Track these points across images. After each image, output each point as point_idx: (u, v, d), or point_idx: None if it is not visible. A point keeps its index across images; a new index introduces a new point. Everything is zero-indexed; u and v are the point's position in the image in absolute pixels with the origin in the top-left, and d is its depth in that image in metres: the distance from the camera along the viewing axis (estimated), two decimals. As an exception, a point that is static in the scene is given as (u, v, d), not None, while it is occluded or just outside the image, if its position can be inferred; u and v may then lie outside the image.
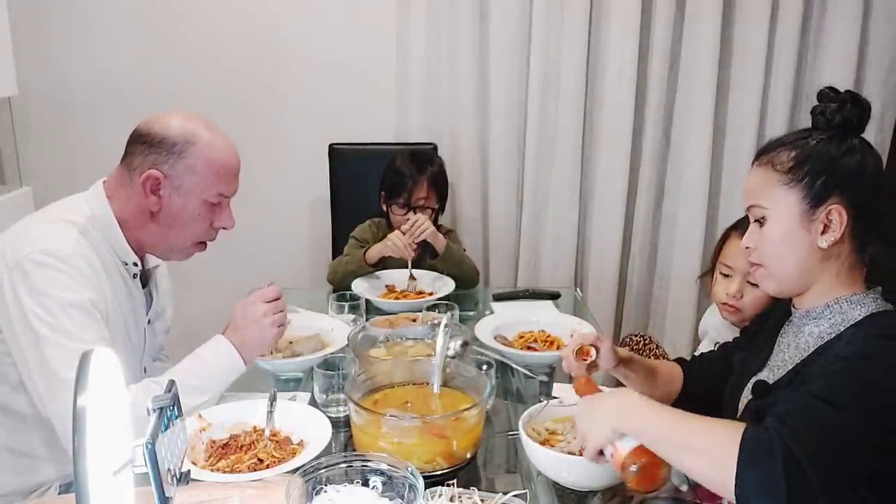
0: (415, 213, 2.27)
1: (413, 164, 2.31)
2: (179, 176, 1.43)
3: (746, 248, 1.21)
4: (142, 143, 1.43)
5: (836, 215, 1.12)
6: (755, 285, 1.65)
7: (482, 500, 1.16)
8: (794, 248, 1.15)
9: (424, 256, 2.28)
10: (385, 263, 2.27)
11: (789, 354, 1.22)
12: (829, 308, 1.16)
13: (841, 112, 1.15)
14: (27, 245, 1.33)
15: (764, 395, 1.19)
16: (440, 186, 2.35)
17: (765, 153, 1.19)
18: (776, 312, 1.32)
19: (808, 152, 1.14)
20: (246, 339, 1.48)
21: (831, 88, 1.19)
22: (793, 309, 1.25)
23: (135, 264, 1.49)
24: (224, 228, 1.54)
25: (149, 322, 1.59)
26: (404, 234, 2.19)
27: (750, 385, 1.26)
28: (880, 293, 1.17)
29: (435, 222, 2.33)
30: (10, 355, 1.34)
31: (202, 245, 1.54)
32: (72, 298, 1.31)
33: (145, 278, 1.57)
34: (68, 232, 1.38)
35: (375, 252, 2.23)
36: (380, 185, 2.37)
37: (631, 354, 1.41)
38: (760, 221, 1.18)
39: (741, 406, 1.27)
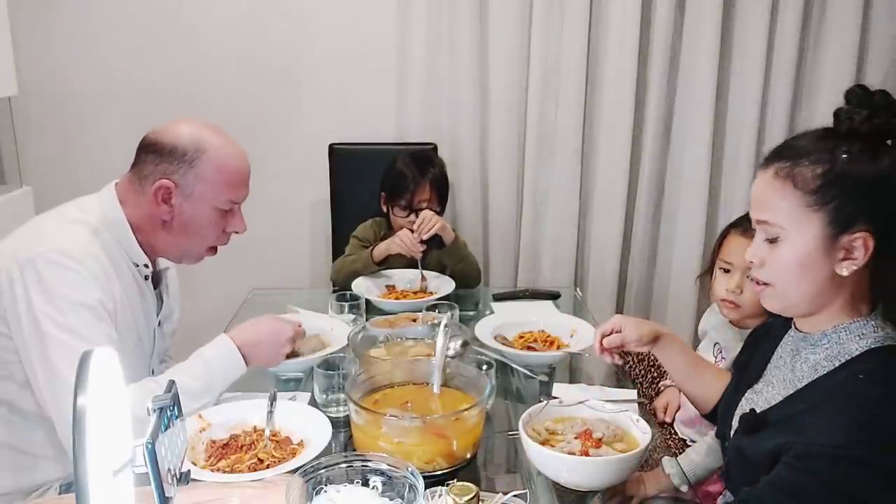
0: (416, 215, 2.27)
1: (414, 165, 2.31)
2: (190, 185, 1.44)
3: (751, 262, 1.11)
4: (152, 151, 1.45)
5: (861, 244, 1.02)
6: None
7: (482, 500, 1.16)
8: (809, 274, 1.05)
9: (430, 251, 2.29)
10: (389, 262, 2.27)
11: (782, 375, 1.17)
12: (828, 337, 1.09)
13: (871, 120, 1.02)
14: (40, 243, 1.34)
15: (750, 430, 1.13)
16: (441, 188, 2.35)
17: (780, 160, 1.06)
18: (779, 318, 1.26)
19: (837, 171, 1.02)
20: (256, 352, 1.49)
21: (862, 88, 1.05)
22: (793, 327, 1.18)
23: (146, 266, 1.50)
24: (236, 233, 1.56)
25: (159, 324, 1.60)
26: (412, 232, 2.20)
27: (743, 402, 1.23)
28: (881, 312, 1.09)
29: None
30: (16, 353, 1.35)
31: (213, 250, 1.56)
32: (82, 298, 1.32)
33: (156, 280, 1.58)
34: (81, 232, 1.40)
35: (382, 250, 2.23)
36: (380, 186, 2.37)
37: (671, 334, 1.37)
38: (772, 240, 1.07)
39: (734, 423, 1.23)
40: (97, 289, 1.35)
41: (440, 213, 2.36)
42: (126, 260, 1.46)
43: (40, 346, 1.30)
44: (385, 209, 2.37)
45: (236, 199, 1.51)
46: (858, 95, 1.04)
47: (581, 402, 1.37)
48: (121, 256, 1.45)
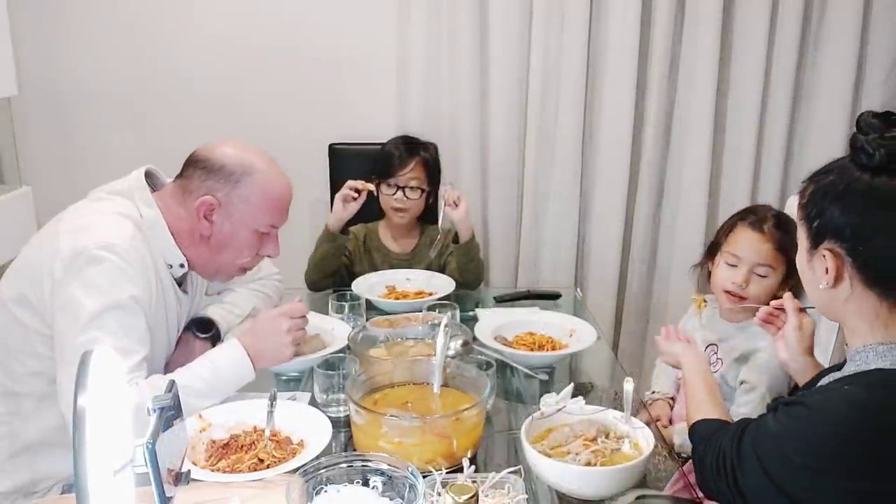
0: (404, 192, 2.28)
1: (403, 146, 2.35)
2: (233, 204, 1.47)
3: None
4: (200, 167, 1.47)
5: (830, 260, 1.07)
6: (762, 276, 1.65)
7: (473, 482, 1.15)
8: (808, 282, 1.16)
9: (447, 245, 2.29)
10: (391, 234, 2.30)
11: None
12: (859, 355, 1.09)
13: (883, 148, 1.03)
14: (89, 237, 1.35)
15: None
16: (431, 169, 2.36)
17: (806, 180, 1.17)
18: None
19: (816, 190, 1.11)
20: (262, 351, 1.49)
21: (876, 116, 1.06)
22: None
23: (181, 266, 1.51)
24: (269, 256, 1.59)
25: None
26: (397, 210, 2.27)
27: None
28: None
29: (426, 205, 2.36)
30: (53, 349, 1.35)
31: (243, 270, 1.59)
32: (121, 295, 1.33)
33: (180, 281, 1.58)
34: (126, 226, 1.41)
35: (335, 217, 2.23)
36: (370, 172, 2.35)
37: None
38: None
39: None
40: (136, 285, 1.36)
41: (431, 194, 2.36)
42: (160, 259, 1.47)
43: (73, 338, 1.30)
44: (376, 193, 2.33)
45: (276, 223, 1.56)
46: (873, 125, 1.05)
47: (559, 410, 1.35)
48: (157, 254, 1.46)
